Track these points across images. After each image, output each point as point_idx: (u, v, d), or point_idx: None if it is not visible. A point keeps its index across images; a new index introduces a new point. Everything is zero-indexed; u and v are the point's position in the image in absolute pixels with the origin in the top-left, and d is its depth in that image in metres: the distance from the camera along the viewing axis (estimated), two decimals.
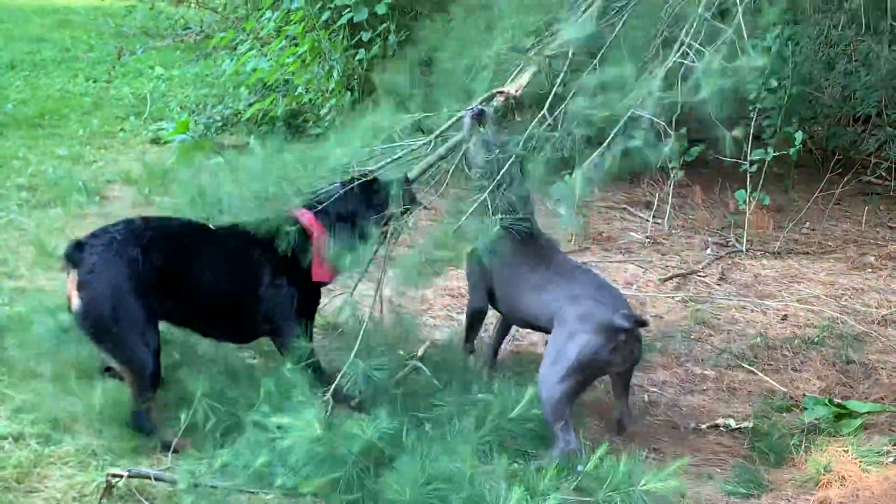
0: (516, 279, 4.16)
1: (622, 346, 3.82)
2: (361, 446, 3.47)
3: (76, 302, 3.69)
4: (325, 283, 4.25)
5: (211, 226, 4.05)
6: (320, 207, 4.08)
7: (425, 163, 4.25)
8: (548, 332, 4.04)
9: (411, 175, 4.20)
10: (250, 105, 8.18)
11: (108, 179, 7.15)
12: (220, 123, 8.44)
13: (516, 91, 4.23)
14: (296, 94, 7.64)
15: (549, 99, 4.08)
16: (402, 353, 4.37)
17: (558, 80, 4.17)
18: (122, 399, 3.86)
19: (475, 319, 4.52)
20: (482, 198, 3.94)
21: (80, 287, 3.68)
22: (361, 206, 4.09)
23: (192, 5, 11.72)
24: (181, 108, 9.16)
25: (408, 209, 4.13)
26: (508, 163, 4.04)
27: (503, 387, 3.93)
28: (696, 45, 3.69)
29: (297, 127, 8.18)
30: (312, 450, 3.43)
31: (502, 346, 4.70)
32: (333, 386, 3.85)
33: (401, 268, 4.04)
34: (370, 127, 4.28)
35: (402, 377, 4.14)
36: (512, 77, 4.33)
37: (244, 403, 3.78)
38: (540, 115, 4.06)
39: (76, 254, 3.70)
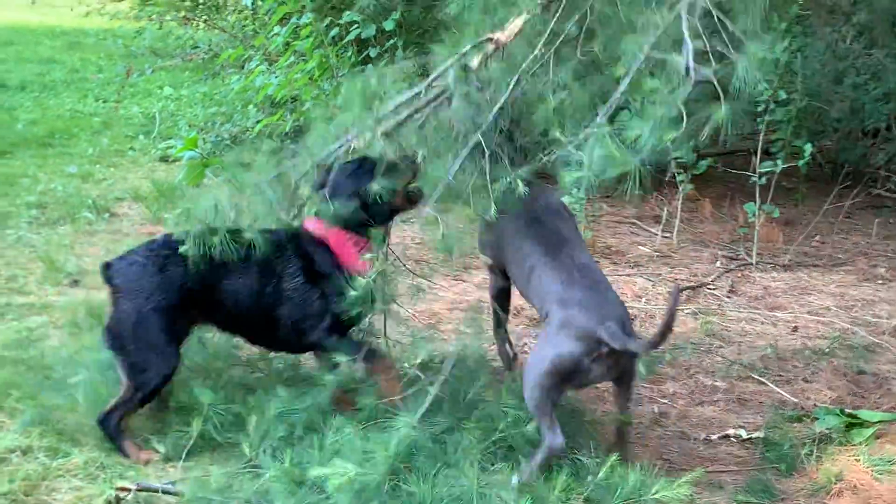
0: (520, 261, 3.95)
1: (605, 358, 3.59)
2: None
3: (106, 319, 3.85)
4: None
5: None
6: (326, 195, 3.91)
7: (409, 110, 3.91)
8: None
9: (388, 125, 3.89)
10: (258, 122, 8.20)
11: (118, 197, 7.19)
12: (228, 141, 8.46)
13: (507, 38, 3.85)
14: (304, 109, 7.65)
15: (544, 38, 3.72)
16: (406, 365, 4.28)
17: (553, 19, 3.74)
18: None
19: (499, 300, 4.34)
20: (468, 149, 3.67)
21: (111, 304, 3.84)
22: (367, 184, 3.87)
23: (201, 25, 11.84)
24: (190, 126, 9.19)
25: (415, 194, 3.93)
26: (495, 110, 3.71)
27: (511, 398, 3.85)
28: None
29: None
30: None
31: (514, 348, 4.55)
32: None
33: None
34: (360, 92, 3.94)
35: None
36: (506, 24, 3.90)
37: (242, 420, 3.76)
38: (533, 54, 3.72)
39: (106, 273, 3.84)
